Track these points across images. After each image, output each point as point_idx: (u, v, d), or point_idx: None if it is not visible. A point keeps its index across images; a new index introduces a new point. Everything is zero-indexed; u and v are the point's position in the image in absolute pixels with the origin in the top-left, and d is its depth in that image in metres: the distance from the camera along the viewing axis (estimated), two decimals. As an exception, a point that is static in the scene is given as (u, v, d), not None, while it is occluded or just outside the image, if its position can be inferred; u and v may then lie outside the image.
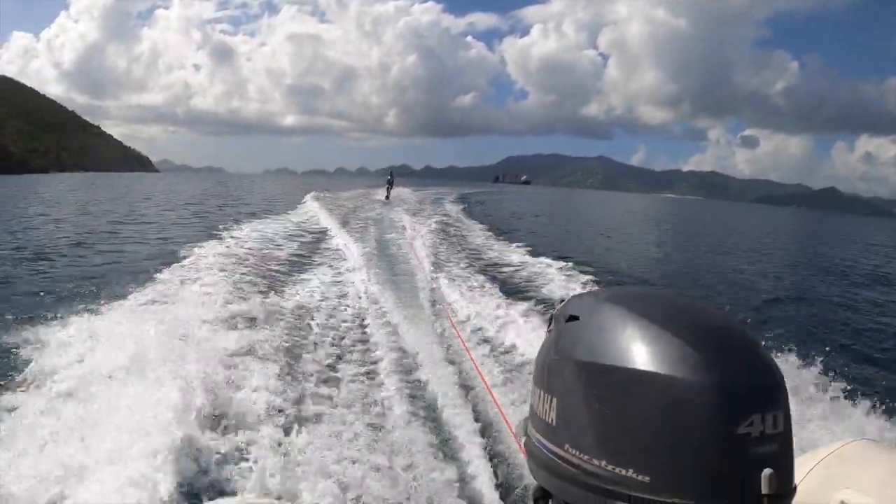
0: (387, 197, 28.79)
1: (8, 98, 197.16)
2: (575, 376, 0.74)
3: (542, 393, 0.80)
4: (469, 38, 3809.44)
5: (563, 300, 0.86)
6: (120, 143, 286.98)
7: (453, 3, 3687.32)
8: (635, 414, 0.68)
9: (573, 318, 0.79)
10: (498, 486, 3.51)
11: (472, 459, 3.72)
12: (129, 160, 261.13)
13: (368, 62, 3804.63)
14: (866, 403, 4.76)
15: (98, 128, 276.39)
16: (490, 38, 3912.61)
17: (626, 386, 0.69)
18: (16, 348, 5.04)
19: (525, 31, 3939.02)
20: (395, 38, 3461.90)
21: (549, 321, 0.85)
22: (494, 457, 3.79)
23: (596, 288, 5.01)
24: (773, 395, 0.69)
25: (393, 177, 30.94)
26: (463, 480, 3.55)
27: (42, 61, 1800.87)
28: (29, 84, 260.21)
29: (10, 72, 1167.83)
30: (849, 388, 5.12)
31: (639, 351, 0.69)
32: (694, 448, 0.65)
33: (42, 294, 7.53)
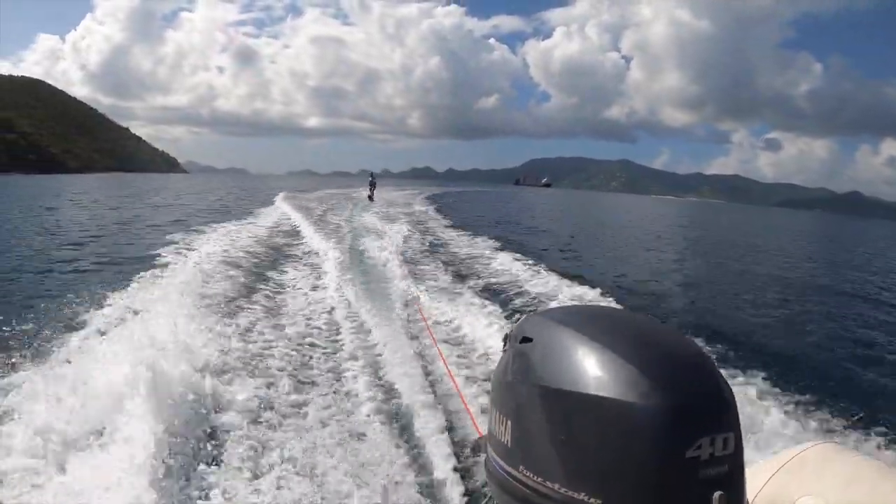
0: (370, 197, 30.30)
1: (43, 101, 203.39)
2: (528, 399, 0.74)
3: (498, 414, 0.80)
4: (492, 41, 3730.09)
5: (517, 318, 0.95)
6: (149, 144, 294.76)
7: (476, 6, 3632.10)
8: (587, 438, 0.68)
9: (526, 339, 0.78)
10: (465, 495, 3.50)
11: (442, 471, 3.70)
12: (159, 161, 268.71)
13: (391, 64, 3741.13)
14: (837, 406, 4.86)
15: (128, 130, 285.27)
16: (513, 40, 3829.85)
17: (577, 410, 0.69)
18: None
19: (548, 34, 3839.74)
20: (418, 40, 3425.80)
21: (505, 340, 0.85)
22: (462, 468, 3.74)
23: (559, 304, 5.08)
24: (722, 417, 0.69)
25: (374, 178, 32.94)
26: (433, 488, 3.56)
27: (68, 63, 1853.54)
28: (55, 85, 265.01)
29: (37, 73, 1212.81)
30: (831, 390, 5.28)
31: (590, 375, 0.69)
32: (644, 472, 0.66)
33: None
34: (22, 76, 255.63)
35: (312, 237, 14.24)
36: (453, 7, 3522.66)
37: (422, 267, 11.08)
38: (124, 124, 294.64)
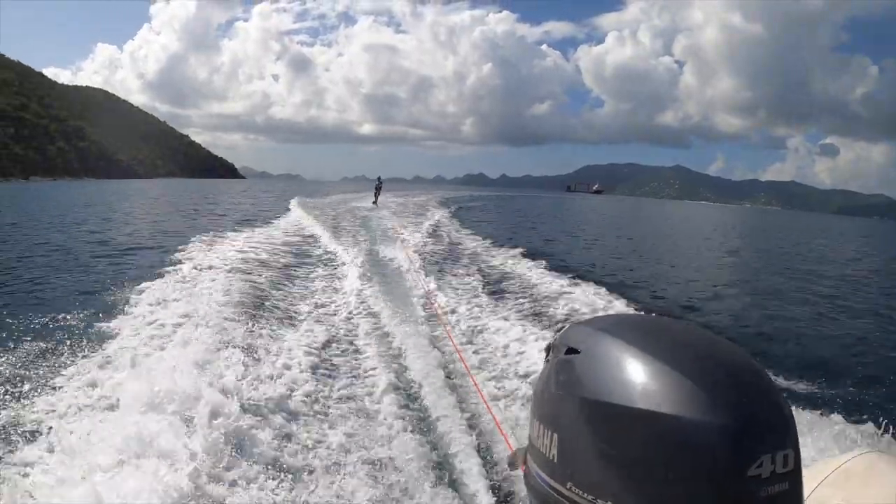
0: (375, 202, 30.30)
1: (108, 110, 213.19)
2: (577, 413, 0.72)
3: (541, 427, 0.78)
4: (544, 47, 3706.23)
5: (561, 327, 0.84)
6: (209, 151, 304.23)
7: (528, 12, 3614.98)
8: (641, 454, 0.67)
9: (572, 350, 0.77)
10: None
11: (470, 482, 3.65)
12: (218, 168, 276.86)
13: (444, 71, 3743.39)
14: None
15: (188, 137, 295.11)
16: (565, 46, 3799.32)
17: (630, 425, 0.67)
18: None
19: (600, 39, 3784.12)
20: (471, 47, 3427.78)
21: (547, 350, 0.83)
22: (492, 479, 3.70)
23: (598, 314, 4.84)
24: (782, 433, 0.67)
25: (381, 182, 32.91)
26: (461, 500, 3.50)
27: (126, 72, 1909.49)
28: (108, 91, 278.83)
29: (96, 82, 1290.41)
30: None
31: (642, 389, 0.67)
32: (704, 492, 0.64)
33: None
34: (87, 86, 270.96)
35: (337, 241, 14.35)
36: (505, 14, 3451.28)
37: (447, 271, 11.12)
38: (182, 131, 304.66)
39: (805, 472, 0.83)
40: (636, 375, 0.69)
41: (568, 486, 0.72)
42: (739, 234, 39.55)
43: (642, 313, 6.53)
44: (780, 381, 5.03)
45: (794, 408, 4.07)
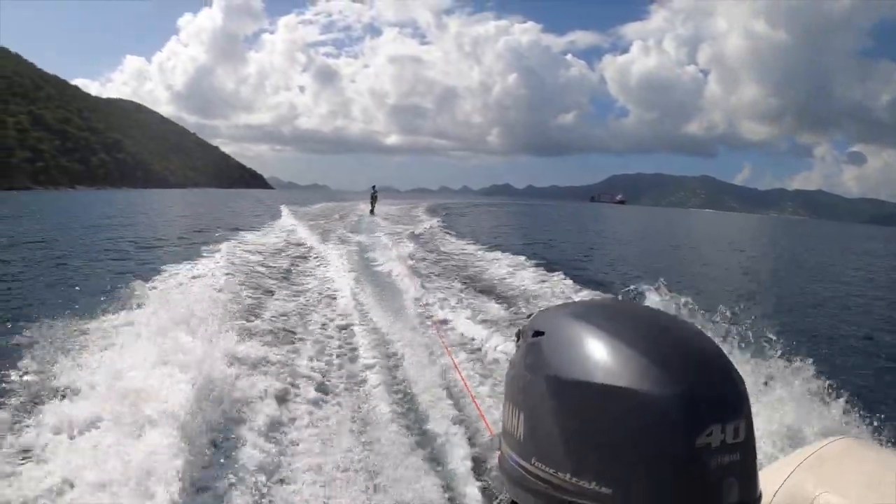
0: (371, 211, 30.12)
1: (140, 122, 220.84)
2: (540, 391, 0.74)
3: (511, 407, 0.80)
4: (569, 57, 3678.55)
5: (530, 315, 0.88)
6: (238, 162, 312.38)
7: (553, 22, 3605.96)
8: (598, 427, 0.69)
9: (538, 333, 0.79)
10: (482, 493, 3.53)
11: (457, 470, 3.74)
12: (247, 178, 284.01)
13: (469, 82, 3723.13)
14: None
15: (217, 148, 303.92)
16: (590, 55, 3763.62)
17: (589, 400, 0.70)
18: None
19: (625, 49, 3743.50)
20: (495, 57, 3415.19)
21: (517, 336, 0.86)
22: (478, 469, 3.76)
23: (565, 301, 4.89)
24: (733, 404, 0.69)
25: (376, 192, 32.85)
26: (449, 489, 3.57)
27: (154, 83, 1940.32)
28: (140, 104, 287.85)
29: (125, 93, 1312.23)
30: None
31: (601, 365, 0.70)
32: (655, 460, 0.66)
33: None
34: (119, 98, 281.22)
35: (333, 245, 15.01)
36: (530, 24, 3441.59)
37: (433, 277, 11.11)
38: (210, 142, 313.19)
39: (783, 458, 0.92)
40: (595, 353, 0.71)
41: (532, 462, 0.74)
42: (771, 247, 38.08)
43: (609, 296, 7.18)
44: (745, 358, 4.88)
45: (757, 386, 4.10)
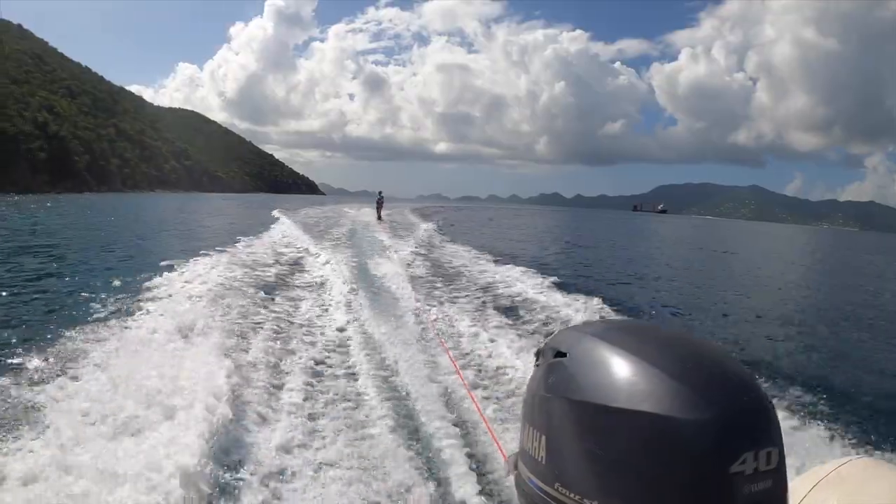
0: (378, 217, 29.50)
1: (200, 130, 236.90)
2: (564, 414, 0.72)
3: (531, 430, 0.78)
4: (617, 65, 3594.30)
5: (549, 333, 0.88)
6: (291, 169, 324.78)
7: (601, 31, 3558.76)
8: (625, 453, 0.66)
9: (560, 353, 0.77)
10: None
11: (465, 493, 3.57)
12: (300, 184, 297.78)
13: (517, 90, 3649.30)
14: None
15: (272, 156, 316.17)
16: (638, 64, 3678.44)
17: (615, 425, 0.67)
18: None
19: (673, 57, 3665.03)
20: (544, 66, 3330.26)
21: (537, 355, 0.83)
22: (487, 490, 3.61)
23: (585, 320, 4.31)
24: (765, 431, 0.67)
25: (382, 197, 31.66)
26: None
27: (206, 90, 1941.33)
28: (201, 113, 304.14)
29: (178, 99, 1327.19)
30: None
31: (628, 389, 0.68)
32: (685, 488, 0.64)
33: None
34: (180, 108, 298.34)
35: (339, 252, 14.42)
36: (578, 32, 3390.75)
37: (434, 285, 10.93)
38: (263, 149, 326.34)
39: (800, 477, 0.90)
40: (621, 376, 0.69)
41: (556, 487, 0.72)
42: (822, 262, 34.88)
43: (632, 319, 8.08)
44: (769, 386, 5.23)
45: (799, 417, 4.72)
